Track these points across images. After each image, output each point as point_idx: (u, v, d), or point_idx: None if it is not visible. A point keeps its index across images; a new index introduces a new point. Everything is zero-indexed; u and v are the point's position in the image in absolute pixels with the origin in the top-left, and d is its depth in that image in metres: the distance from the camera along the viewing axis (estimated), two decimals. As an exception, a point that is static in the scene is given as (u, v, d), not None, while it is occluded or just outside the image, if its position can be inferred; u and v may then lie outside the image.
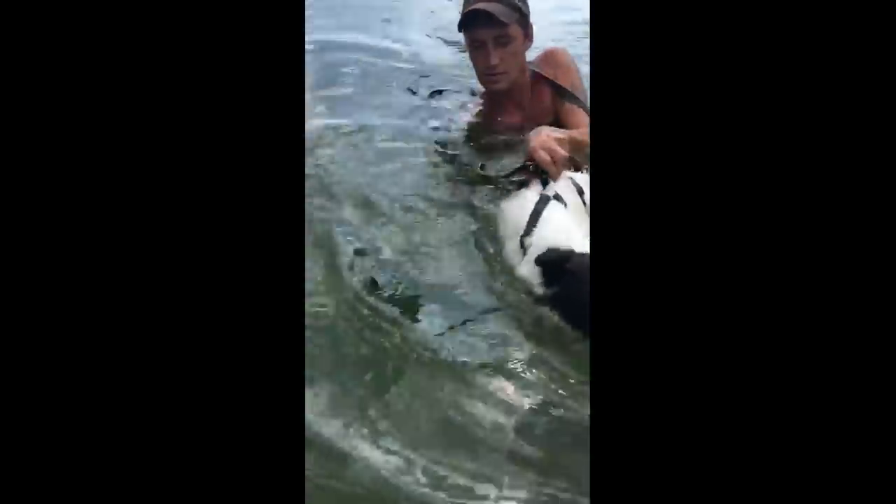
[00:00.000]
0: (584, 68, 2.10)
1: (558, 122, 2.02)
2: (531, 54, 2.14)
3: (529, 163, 1.70)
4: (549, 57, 2.14)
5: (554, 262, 1.38)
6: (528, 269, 1.46)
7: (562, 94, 2.06)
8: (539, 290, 1.42)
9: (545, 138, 1.69)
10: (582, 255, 1.38)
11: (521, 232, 1.53)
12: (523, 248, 1.51)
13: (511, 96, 2.11)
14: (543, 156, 1.65)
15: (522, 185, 1.74)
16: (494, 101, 2.17)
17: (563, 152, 1.66)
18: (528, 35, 2.06)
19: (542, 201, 1.56)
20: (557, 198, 1.57)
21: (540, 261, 1.40)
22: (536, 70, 2.11)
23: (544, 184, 1.65)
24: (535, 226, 1.51)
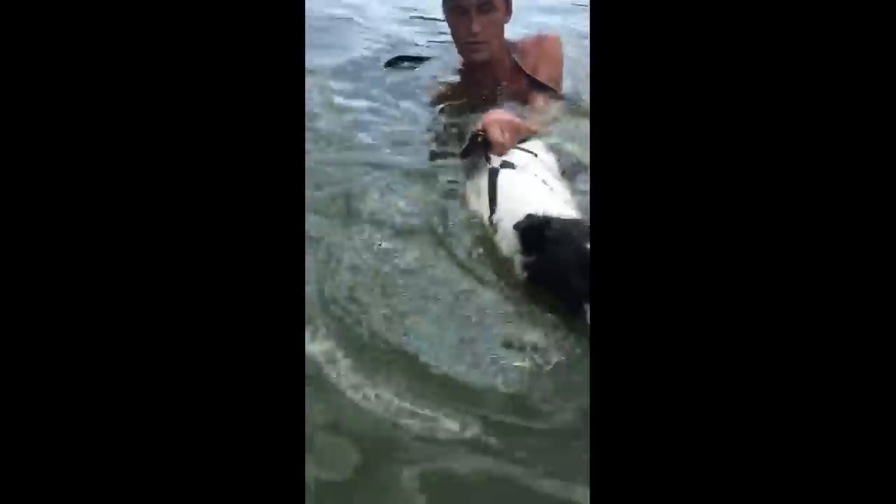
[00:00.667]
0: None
1: (526, 103, 2.05)
2: (517, 33, 2.16)
3: (480, 133, 1.70)
4: (539, 42, 2.15)
5: (533, 229, 1.34)
6: (506, 243, 1.43)
7: (537, 85, 2.08)
8: (520, 263, 1.38)
9: (503, 116, 1.72)
10: (562, 220, 1.35)
11: (487, 213, 1.51)
12: (493, 226, 1.48)
13: (489, 70, 2.11)
14: (496, 132, 1.66)
15: (474, 165, 1.73)
16: (472, 75, 2.17)
17: (510, 136, 1.67)
18: (508, 8, 2.07)
19: (493, 174, 1.56)
20: (505, 165, 1.58)
21: (519, 227, 1.36)
22: (518, 59, 2.11)
23: (487, 160, 1.65)
24: (496, 200, 1.50)
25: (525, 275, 1.36)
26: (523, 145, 1.68)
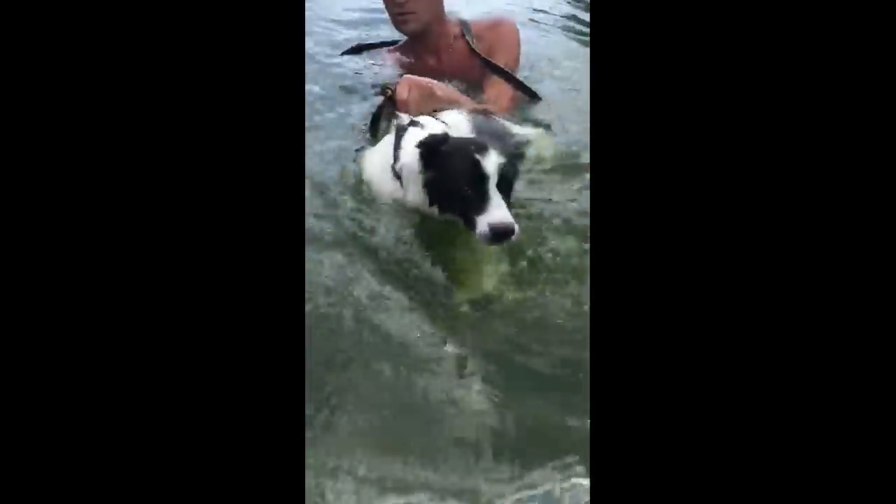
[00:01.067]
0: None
1: (481, 87, 2.01)
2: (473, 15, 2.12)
3: (389, 88, 1.67)
4: (496, 27, 2.10)
5: (431, 145, 1.34)
6: (411, 187, 1.41)
7: (491, 67, 2.03)
8: (421, 182, 1.37)
9: (418, 78, 1.69)
10: (461, 138, 1.35)
11: (390, 165, 1.47)
12: (397, 176, 1.45)
13: (425, 42, 2.06)
14: (403, 89, 1.63)
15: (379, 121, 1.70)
16: (412, 48, 2.12)
17: (418, 96, 1.64)
18: None
19: (400, 129, 1.51)
20: (413, 123, 1.52)
21: (419, 144, 1.35)
22: (472, 43, 2.06)
23: (395, 117, 1.60)
24: (400, 149, 1.46)
25: (426, 194, 1.36)
26: (440, 115, 1.59)
